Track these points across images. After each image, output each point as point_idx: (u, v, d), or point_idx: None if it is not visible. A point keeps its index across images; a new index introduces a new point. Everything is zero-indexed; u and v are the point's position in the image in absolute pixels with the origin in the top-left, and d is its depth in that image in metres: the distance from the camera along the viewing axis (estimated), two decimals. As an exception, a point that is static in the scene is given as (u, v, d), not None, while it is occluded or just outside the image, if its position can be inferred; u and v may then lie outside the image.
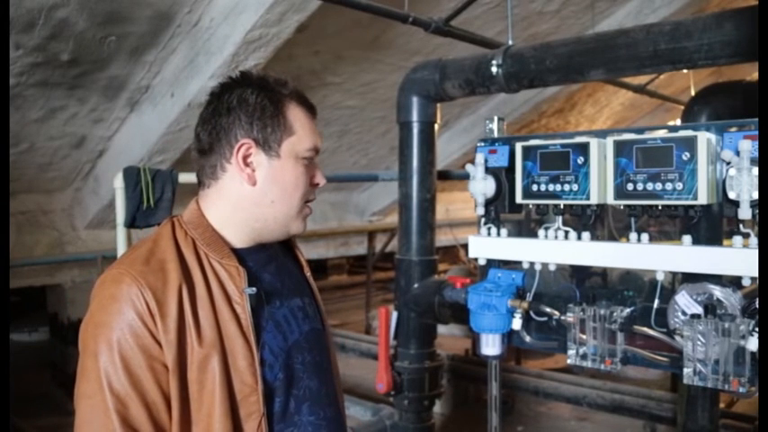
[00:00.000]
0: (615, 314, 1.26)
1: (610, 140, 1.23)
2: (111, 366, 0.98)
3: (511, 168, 1.42)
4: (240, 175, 1.10)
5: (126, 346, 0.98)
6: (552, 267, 1.37)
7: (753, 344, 1.09)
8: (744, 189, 1.10)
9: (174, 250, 1.07)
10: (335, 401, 1.23)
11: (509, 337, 1.46)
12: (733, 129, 1.16)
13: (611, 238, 1.34)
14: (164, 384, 1.00)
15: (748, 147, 1.10)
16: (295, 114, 1.13)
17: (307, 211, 1.17)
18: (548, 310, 1.37)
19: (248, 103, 1.10)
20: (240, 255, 1.11)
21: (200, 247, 1.08)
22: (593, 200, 1.24)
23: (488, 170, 1.46)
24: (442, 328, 3.50)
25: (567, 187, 1.28)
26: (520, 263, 1.43)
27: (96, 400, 0.98)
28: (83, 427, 0.99)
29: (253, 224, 1.13)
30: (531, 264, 1.41)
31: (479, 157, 1.46)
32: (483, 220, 1.49)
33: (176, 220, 1.13)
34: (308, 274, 1.29)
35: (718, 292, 1.16)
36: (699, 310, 1.16)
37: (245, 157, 1.10)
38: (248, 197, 1.11)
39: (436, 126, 2.87)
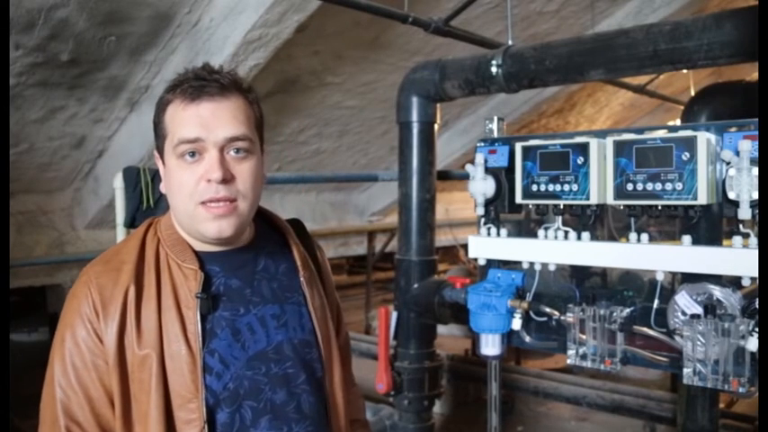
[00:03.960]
0: (615, 314, 1.26)
1: (609, 140, 1.23)
2: (59, 360, 1.05)
3: (511, 168, 1.42)
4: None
5: (72, 342, 1.04)
6: (552, 267, 1.37)
7: (752, 344, 1.08)
8: (743, 189, 1.10)
9: (136, 251, 1.09)
10: (314, 418, 1.12)
11: (509, 337, 1.46)
12: (733, 129, 1.16)
13: (611, 238, 1.34)
14: (106, 382, 1.03)
15: (748, 147, 1.09)
16: (172, 112, 1.07)
17: (203, 213, 1.05)
18: (548, 310, 1.37)
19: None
20: (205, 258, 1.10)
21: (162, 248, 1.10)
22: (593, 200, 1.24)
23: (488, 170, 1.46)
24: (441, 328, 3.49)
25: (566, 187, 1.28)
26: (520, 263, 1.43)
27: (49, 389, 1.05)
28: (41, 410, 1.06)
29: (183, 228, 1.12)
30: (531, 264, 1.41)
31: (479, 158, 1.46)
32: (483, 220, 1.49)
33: (155, 220, 1.16)
34: (302, 279, 1.18)
35: (717, 292, 1.16)
36: (699, 310, 1.16)
37: (161, 167, 1.13)
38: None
39: (436, 126, 2.87)
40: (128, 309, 1.04)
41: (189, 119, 1.05)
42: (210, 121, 1.04)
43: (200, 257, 1.09)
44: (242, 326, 1.09)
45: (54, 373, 1.04)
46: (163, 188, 1.13)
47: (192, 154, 1.04)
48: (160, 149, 1.11)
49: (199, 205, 1.04)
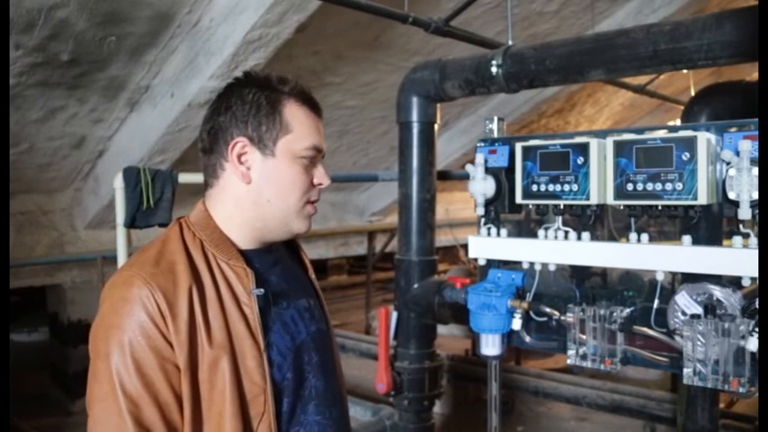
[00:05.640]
0: (615, 314, 1.26)
1: (610, 140, 1.23)
2: (123, 368, 0.99)
3: (511, 168, 1.42)
4: (236, 173, 1.11)
5: (138, 347, 0.99)
6: (552, 267, 1.37)
7: (753, 344, 1.08)
8: (744, 189, 1.10)
9: (182, 252, 1.08)
10: (340, 401, 1.23)
11: (509, 337, 1.46)
12: (733, 129, 1.16)
13: (611, 238, 1.34)
14: (175, 385, 1.01)
15: (748, 147, 1.09)
16: (293, 113, 1.12)
17: (309, 210, 1.15)
18: (548, 310, 1.37)
19: (245, 102, 1.11)
20: (247, 256, 1.12)
21: (207, 249, 1.09)
22: (593, 200, 1.24)
23: (488, 170, 1.46)
24: (441, 328, 3.49)
25: (566, 187, 1.28)
26: (520, 263, 1.43)
27: (109, 403, 0.98)
28: (96, 429, 1.00)
29: (254, 223, 1.13)
30: (531, 264, 1.41)
31: (479, 158, 1.46)
32: (483, 220, 1.49)
33: (184, 221, 1.14)
34: (313, 275, 1.30)
35: (717, 292, 1.16)
36: (699, 310, 1.16)
37: (239, 155, 1.11)
38: (246, 196, 1.11)
39: (436, 126, 2.88)
40: (195, 309, 1.03)
41: (316, 128, 1.17)
42: (323, 135, 1.19)
43: (243, 255, 1.12)
44: (287, 318, 1.15)
45: (115, 383, 0.98)
46: (244, 177, 1.10)
47: (312, 159, 1.15)
48: (262, 139, 1.10)
49: (307, 204, 1.15)
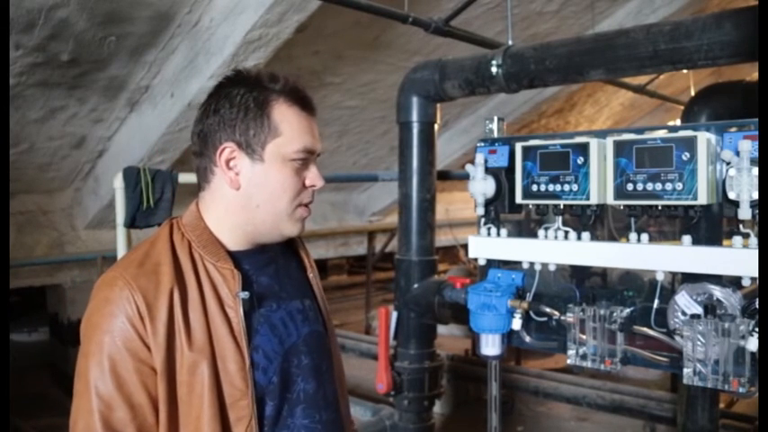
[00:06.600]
0: (615, 314, 1.25)
1: (610, 140, 1.23)
2: (98, 368, 1.00)
3: (511, 168, 1.42)
4: (224, 179, 1.09)
5: (114, 348, 1.00)
6: (552, 267, 1.37)
7: (753, 344, 1.08)
8: (744, 189, 1.10)
9: (169, 253, 1.07)
10: (334, 405, 1.21)
11: (509, 337, 1.46)
12: (733, 129, 1.16)
13: (611, 238, 1.34)
14: (151, 387, 1.00)
15: (748, 147, 1.09)
16: (282, 114, 1.09)
17: (301, 213, 1.13)
18: (548, 310, 1.37)
19: (233, 104, 1.08)
20: (237, 257, 1.11)
21: (195, 250, 1.08)
22: (593, 200, 1.24)
23: (488, 170, 1.46)
24: (441, 328, 3.50)
25: (566, 187, 1.27)
26: (520, 263, 1.43)
27: (84, 400, 1.00)
28: (73, 424, 1.01)
29: (244, 227, 1.11)
30: (531, 264, 1.40)
31: (479, 158, 1.46)
32: (483, 220, 1.49)
33: (175, 221, 1.14)
34: (311, 275, 1.28)
35: (717, 292, 1.15)
36: (699, 310, 1.16)
37: (227, 161, 1.08)
38: (235, 201, 1.10)
39: (436, 126, 2.88)
40: (175, 312, 1.02)
41: (307, 129, 1.11)
42: (316, 135, 1.14)
43: (233, 256, 1.10)
44: (276, 321, 1.13)
45: (90, 382, 0.99)
46: (233, 183, 1.09)
47: (304, 161, 1.11)
48: (250, 144, 1.07)
49: (299, 207, 1.12)
